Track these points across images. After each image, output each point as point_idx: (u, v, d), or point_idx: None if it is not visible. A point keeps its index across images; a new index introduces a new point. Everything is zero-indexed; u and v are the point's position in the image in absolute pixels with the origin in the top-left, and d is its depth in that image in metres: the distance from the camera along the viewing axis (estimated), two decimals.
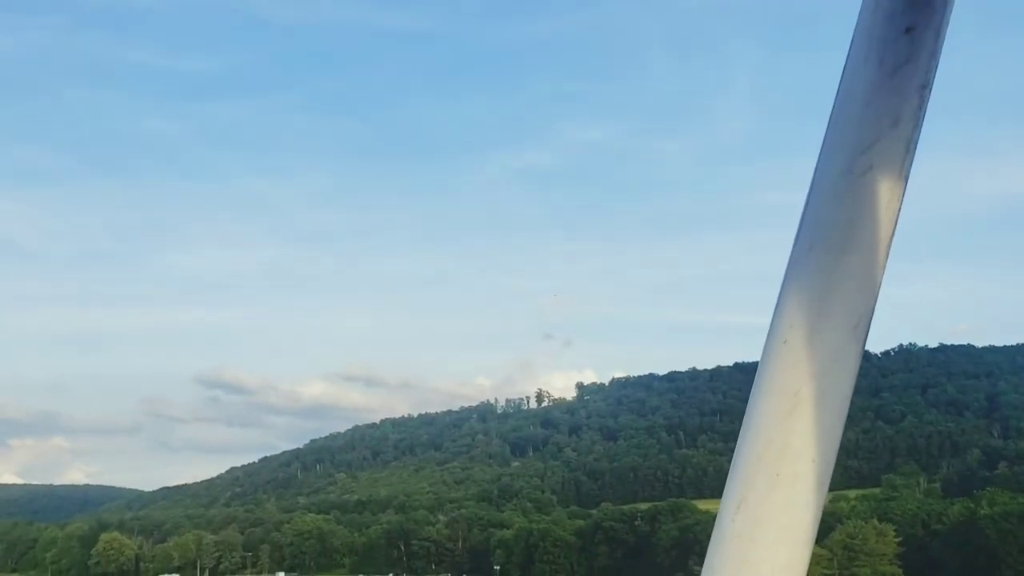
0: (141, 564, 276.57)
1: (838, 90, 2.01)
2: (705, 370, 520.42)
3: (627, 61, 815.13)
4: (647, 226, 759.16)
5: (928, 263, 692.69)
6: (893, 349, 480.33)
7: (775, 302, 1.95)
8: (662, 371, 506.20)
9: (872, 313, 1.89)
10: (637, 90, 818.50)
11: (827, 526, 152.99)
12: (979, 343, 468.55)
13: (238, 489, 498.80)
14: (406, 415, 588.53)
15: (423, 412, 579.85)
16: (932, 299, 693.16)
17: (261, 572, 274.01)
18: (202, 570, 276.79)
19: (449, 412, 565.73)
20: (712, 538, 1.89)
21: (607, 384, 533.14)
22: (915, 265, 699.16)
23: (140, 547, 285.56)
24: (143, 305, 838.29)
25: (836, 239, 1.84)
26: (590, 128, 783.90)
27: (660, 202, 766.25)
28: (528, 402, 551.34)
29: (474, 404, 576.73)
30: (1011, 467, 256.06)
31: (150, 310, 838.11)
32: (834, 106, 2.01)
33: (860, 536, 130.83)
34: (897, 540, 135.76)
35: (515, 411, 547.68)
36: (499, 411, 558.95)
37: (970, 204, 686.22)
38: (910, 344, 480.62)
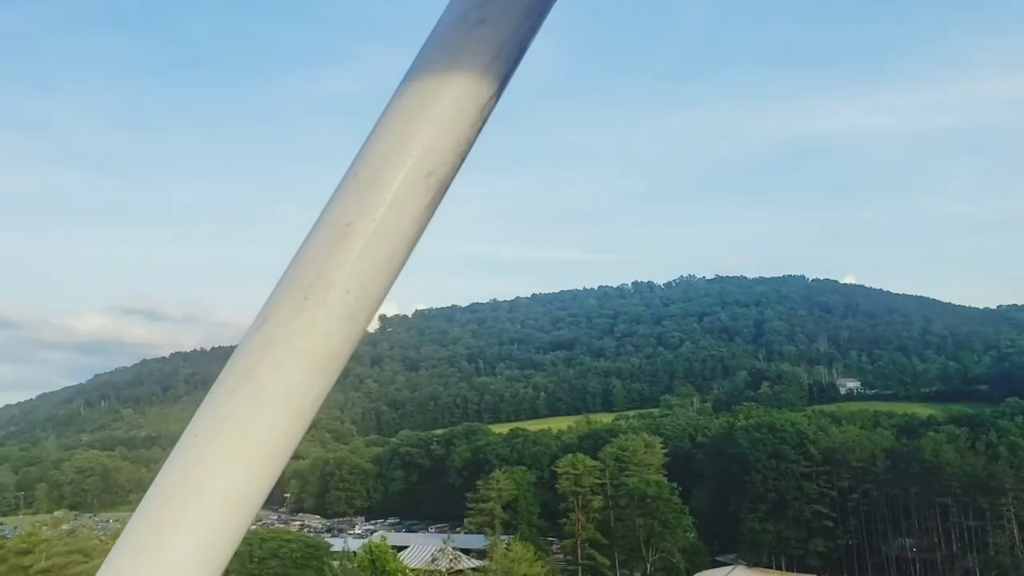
0: None
1: None
2: (505, 301, 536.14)
3: None
4: None
5: (706, 201, 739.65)
6: (674, 280, 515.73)
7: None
8: (464, 303, 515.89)
9: (451, 170, 1.77)
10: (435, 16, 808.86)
11: (604, 441, 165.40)
12: (750, 275, 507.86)
13: (13, 428, 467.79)
14: (197, 348, 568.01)
15: (216, 346, 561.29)
16: (709, 235, 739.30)
17: (38, 512, 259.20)
18: None
19: None
20: (232, 354, 1.76)
21: (410, 316, 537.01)
22: (694, 202, 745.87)
23: None
24: None
25: (430, 85, 1.74)
26: (394, 55, 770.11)
27: None
28: None
29: None
30: (772, 386, 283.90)
31: None
32: None
33: (630, 448, 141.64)
34: (664, 451, 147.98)
35: None
36: None
37: (743, 148, 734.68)
38: (689, 275, 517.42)
